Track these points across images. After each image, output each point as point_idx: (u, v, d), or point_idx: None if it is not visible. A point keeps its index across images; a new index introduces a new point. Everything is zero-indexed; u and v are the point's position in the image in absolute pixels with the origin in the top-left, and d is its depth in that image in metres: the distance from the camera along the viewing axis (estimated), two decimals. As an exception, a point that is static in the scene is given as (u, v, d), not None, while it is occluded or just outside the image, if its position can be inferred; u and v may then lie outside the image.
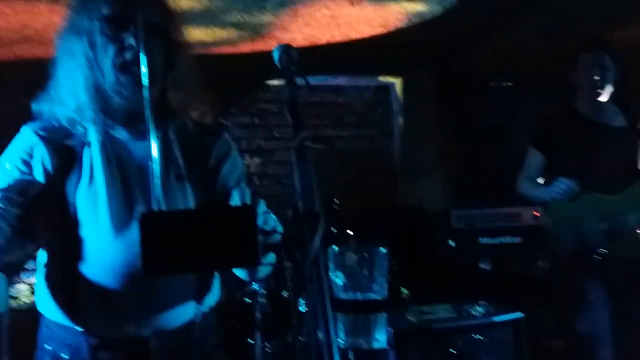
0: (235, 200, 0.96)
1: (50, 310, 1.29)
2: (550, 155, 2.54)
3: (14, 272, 3.38)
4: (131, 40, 1.17)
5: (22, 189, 1.16)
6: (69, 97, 1.23)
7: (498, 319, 2.34)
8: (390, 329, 2.26)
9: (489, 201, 3.21)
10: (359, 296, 0.97)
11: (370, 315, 0.94)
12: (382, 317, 0.96)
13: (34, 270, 3.64)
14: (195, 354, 1.33)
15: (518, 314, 2.38)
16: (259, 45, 3.04)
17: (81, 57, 1.22)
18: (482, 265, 2.88)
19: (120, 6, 1.19)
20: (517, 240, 3.07)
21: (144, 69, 1.05)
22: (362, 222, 3.34)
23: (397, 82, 4.29)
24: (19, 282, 3.50)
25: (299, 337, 0.88)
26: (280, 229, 1.07)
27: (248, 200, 0.96)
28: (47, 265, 1.29)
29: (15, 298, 3.49)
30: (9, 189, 1.15)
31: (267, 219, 1.03)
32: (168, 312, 1.27)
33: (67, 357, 1.25)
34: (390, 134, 4.37)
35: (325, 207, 0.89)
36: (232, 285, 2.16)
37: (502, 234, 3.09)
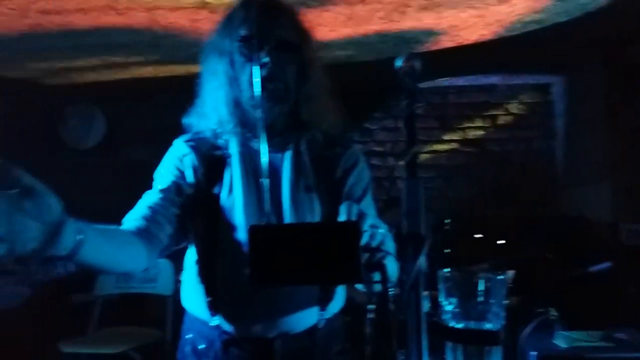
0: (342, 215, 0.96)
1: (192, 304, 1.43)
2: None
3: (182, 259, 3.80)
4: (266, 59, 1.25)
5: (178, 190, 1.32)
6: (212, 111, 1.35)
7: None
8: (534, 352, 2.07)
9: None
10: (472, 325, 0.90)
11: (484, 347, 0.87)
12: (497, 350, 0.87)
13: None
14: (319, 359, 1.37)
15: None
16: (403, 50, 3.00)
17: (223, 76, 1.34)
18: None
19: (256, 27, 1.27)
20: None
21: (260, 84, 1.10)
22: (516, 232, 3.12)
23: (558, 80, 3.91)
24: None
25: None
26: (390, 244, 1.05)
27: (354, 216, 0.95)
28: (193, 261, 1.43)
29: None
30: (167, 190, 1.31)
31: (374, 234, 1.01)
32: (292, 316, 1.32)
33: (203, 347, 1.37)
34: (551, 136, 4.00)
35: (435, 229, 0.84)
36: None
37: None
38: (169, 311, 3.09)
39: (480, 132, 4.04)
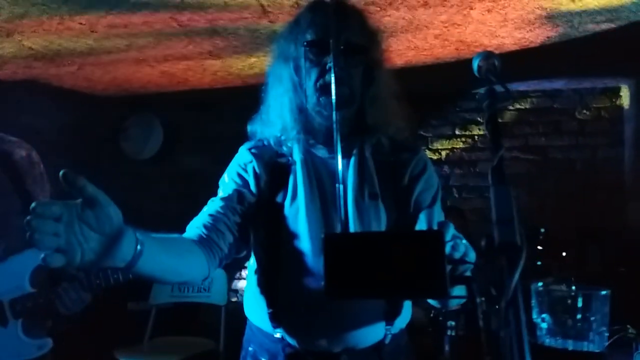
0: (422, 223, 0.90)
1: (254, 314, 1.40)
2: None
3: (235, 269, 3.82)
4: (332, 63, 1.20)
5: (240, 198, 1.29)
6: (276, 118, 1.32)
7: None
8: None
9: None
10: (570, 345, 0.82)
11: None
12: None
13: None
14: (386, 375, 1.30)
15: None
16: (464, 53, 2.91)
17: (288, 82, 1.31)
18: None
19: (323, 30, 1.24)
20: None
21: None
22: (581, 246, 2.94)
23: (629, 84, 3.69)
24: (239, 279, 3.96)
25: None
26: (472, 256, 0.97)
27: (435, 224, 0.88)
28: (256, 272, 1.39)
29: (236, 291, 3.94)
30: (229, 198, 1.29)
31: (457, 245, 0.94)
32: (359, 331, 1.27)
33: (265, 360, 1.33)
34: (619, 143, 3.78)
35: (529, 238, 0.76)
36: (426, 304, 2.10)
37: None
38: (222, 321, 3.09)
39: (542, 139, 3.86)
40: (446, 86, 3.59)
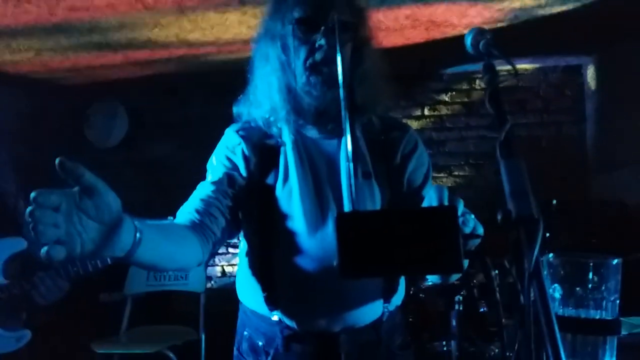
0: (433, 199, 0.89)
1: (248, 298, 1.38)
2: None
3: (209, 256, 3.76)
4: (321, 41, 1.18)
5: (231, 181, 1.26)
6: (264, 99, 1.29)
7: None
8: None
9: None
10: (582, 313, 0.83)
11: (597, 337, 0.80)
12: (612, 341, 0.80)
13: (225, 253, 4.02)
14: (383, 353, 1.31)
15: None
16: (434, 34, 2.92)
17: (275, 61, 1.27)
18: None
19: (312, 8, 1.21)
20: None
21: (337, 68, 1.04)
22: (550, 219, 3.03)
23: (590, 61, 3.80)
24: (213, 265, 3.91)
25: (508, 353, 0.78)
26: (480, 230, 0.98)
27: (446, 200, 0.88)
28: (248, 255, 1.37)
29: (210, 279, 3.89)
30: (219, 182, 1.26)
31: (466, 220, 0.95)
32: (358, 310, 1.27)
33: (261, 344, 1.32)
34: (581, 120, 3.90)
35: (542, 210, 0.77)
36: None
37: None
38: (201, 308, 3.04)
39: (510, 117, 3.94)
40: (415, 67, 3.61)
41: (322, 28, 1.18)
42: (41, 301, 1.65)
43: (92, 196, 0.78)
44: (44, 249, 0.72)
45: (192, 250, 1.15)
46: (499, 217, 0.77)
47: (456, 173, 3.97)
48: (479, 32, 1.04)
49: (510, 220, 0.76)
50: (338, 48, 1.00)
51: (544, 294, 0.67)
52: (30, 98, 3.28)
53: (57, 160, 0.73)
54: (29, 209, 0.71)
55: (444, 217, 0.80)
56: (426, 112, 4.00)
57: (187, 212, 1.21)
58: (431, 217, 0.80)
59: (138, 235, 0.89)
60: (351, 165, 1.00)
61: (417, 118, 3.98)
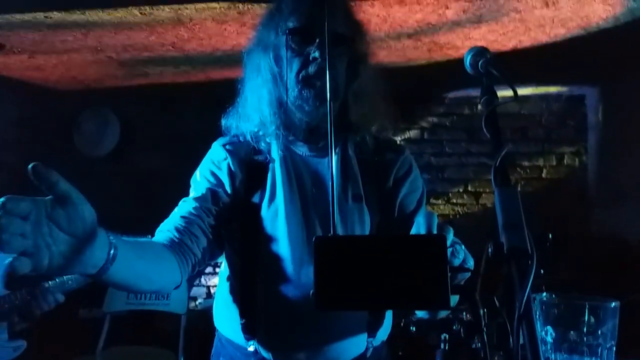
0: (421, 227, 0.82)
1: (224, 325, 1.29)
2: None
3: (195, 275, 3.67)
4: (316, 53, 1.12)
5: (215, 198, 1.19)
6: (253, 112, 1.22)
7: None
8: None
9: None
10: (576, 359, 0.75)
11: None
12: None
13: (212, 274, 3.91)
14: (366, 388, 1.22)
15: None
16: (436, 55, 2.87)
17: (267, 72, 1.21)
18: None
19: (307, 18, 1.15)
20: None
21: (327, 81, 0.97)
22: (549, 254, 2.94)
23: (593, 91, 3.76)
24: (198, 285, 3.79)
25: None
26: (471, 263, 0.90)
27: (435, 229, 0.81)
28: (228, 279, 1.29)
29: (194, 299, 3.78)
30: (202, 198, 1.18)
31: (456, 251, 0.87)
32: (340, 343, 1.19)
33: (235, 375, 1.23)
34: (583, 151, 3.84)
35: (536, 244, 0.70)
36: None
37: None
38: (181, 330, 2.94)
39: (510, 146, 3.88)
40: (416, 89, 3.56)
41: (317, 40, 1.12)
42: (37, 312, 1.72)
43: (65, 206, 0.71)
44: (7, 261, 0.65)
45: (170, 272, 1.07)
46: (490, 249, 0.70)
47: (454, 200, 3.88)
48: (479, 52, 1.02)
49: (501, 253, 0.68)
50: (327, 59, 0.93)
51: (534, 337, 0.60)
52: (20, 102, 3.22)
53: (29, 166, 0.67)
54: None
55: (432, 246, 0.72)
56: (426, 136, 3.93)
57: (166, 230, 1.13)
58: (417, 246, 0.72)
59: (112, 251, 0.81)
60: (335, 185, 0.92)
61: (417, 142, 3.91)
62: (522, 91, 3.80)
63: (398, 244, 0.72)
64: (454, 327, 1.75)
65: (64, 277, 1.81)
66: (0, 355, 1.76)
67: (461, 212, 3.87)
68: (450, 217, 3.82)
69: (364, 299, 0.71)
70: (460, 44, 2.70)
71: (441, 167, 3.91)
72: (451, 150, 3.91)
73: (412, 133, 3.92)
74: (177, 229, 1.12)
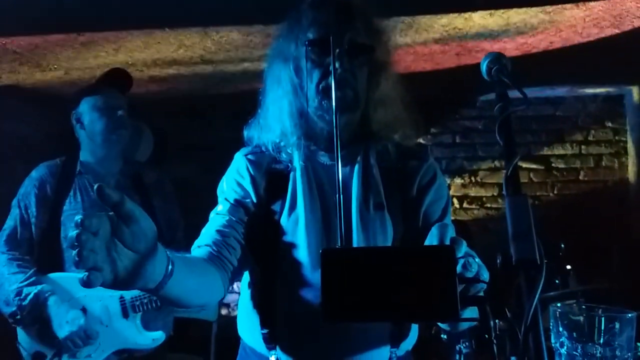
0: (434, 237, 0.81)
1: (247, 334, 1.30)
2: None
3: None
4: (336, 64, 1.12)
5: (244, 209, 1.20)
6: (275, 123, 1.23)
7: None
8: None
9: None
10: (593, 374, 0.73)
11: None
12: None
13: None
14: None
15: None
16: (465, 59, 2.83)
17: (287, 84, 1.22)
18: None
19: (326, 29, 1.15)
20: None
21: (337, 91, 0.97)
22: (586, 260, 2.84)
23: (633, 90, 3.62)
24: (231, 292, 3.82)
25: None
26: (486, 275, 0.88)
27: (447, 240, 0.80)
28: (250, 286, 1.30)
29: (227, 305, 3.82)
30: (233, 210, 1.20)
31: (469, 264, 0.85)
32: (362, 355, 1.18)
33: (259, 383, 1.23)
34: (623, 152, 3.70)
35: (548, 254, 0.68)
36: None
37: None
38: (212, 337, 2.97)
39: (545, 148, 3.78)
40: (446, 93, 3.52)
41: (337, 50, 1.12)
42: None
43: (130, 223, 0.73)
44: (84, 275, 0.68)
45: (214, 286, 1.08)
46: (498, 260, 0.69)
47: (488, 205, 3.80)
48: (494, 59, 0.99)
49: (510, 264, 0.67)
50: (332, 69, 0.93)
51: (540, 348, 0.58)
52: (57, 117, 3.33)
53: (95, 187, 0.69)
54: (74, 232, 0.67)
55: (440, 257, 0.71)
56: (458, 139, 3.87)
57: (204, 244, 1.15)
58: (426, 257, 0.71)
59: (170, 267, 0.83)
60: (341, 197, 0.92)
61: (449, 146, 3.86)
62: (557, 93, 3.70)
63: (405, 256, 0.71)
64: (485, 337, 1.72)
65: None
66: (138, 343, 2.05)
67: (495, 217, 3.79)
68: (485, 221, 3.74)
69: (371, 311, 0.71)
70: (489, 47, 2.66)
71: (474, 170, 3.84)
72: (484, 154, 3.84)
73: (444, 137, 3.88)
74: (214, 243, 1.14)
